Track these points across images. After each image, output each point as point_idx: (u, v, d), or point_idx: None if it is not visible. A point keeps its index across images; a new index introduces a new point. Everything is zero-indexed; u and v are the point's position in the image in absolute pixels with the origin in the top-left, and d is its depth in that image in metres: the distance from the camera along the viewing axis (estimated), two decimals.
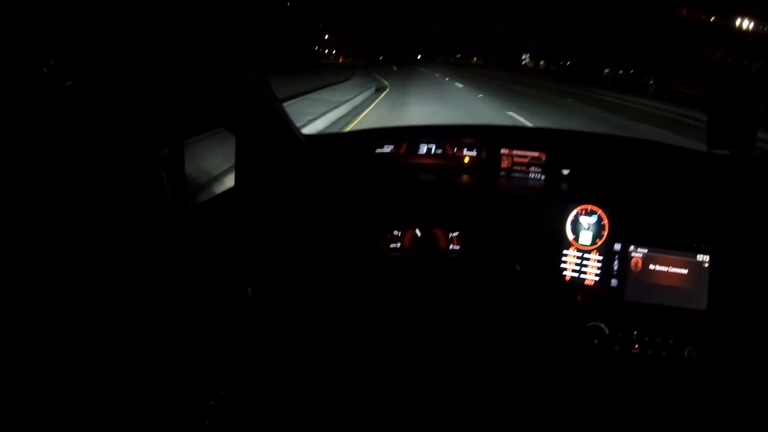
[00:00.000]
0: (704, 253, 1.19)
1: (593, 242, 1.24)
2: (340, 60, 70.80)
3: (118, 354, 0.78)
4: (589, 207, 1.24)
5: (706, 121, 1.20)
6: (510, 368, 1.27)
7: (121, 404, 0.77)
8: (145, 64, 0.79)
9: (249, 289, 1.14)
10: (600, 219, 1.24)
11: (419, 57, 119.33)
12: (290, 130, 1.19)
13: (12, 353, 0.63)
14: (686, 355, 1.15)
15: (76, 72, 0.75)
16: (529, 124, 9.19)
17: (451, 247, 1.33)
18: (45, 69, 0.70)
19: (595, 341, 1.18)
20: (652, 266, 1.22)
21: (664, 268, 1.21)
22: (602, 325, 1.18)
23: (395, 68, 44.65)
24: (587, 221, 1.25)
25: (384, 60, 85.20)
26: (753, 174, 1.22)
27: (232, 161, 1.22)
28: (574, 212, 1.25)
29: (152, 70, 0.81)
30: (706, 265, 1.19)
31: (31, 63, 0.68)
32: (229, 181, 1.24)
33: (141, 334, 0.83)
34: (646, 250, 1.22)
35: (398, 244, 1.34)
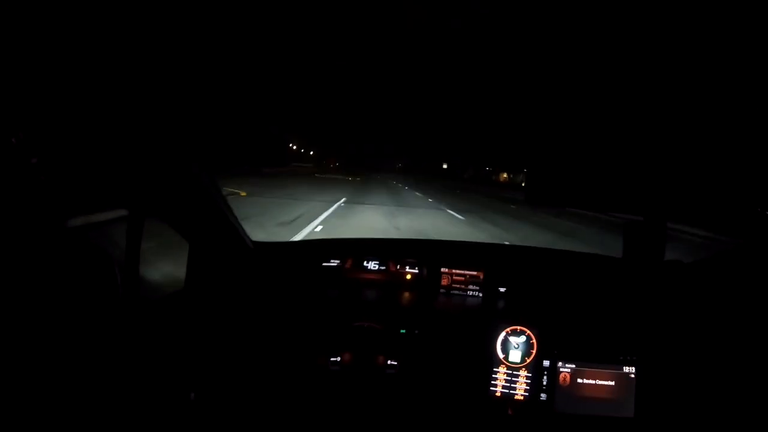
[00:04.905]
0: (629, 365, 1.28)
1: (522, 360, 1.30)
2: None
3: None
4: (519, 327, 1.32)
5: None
6: None
7: None
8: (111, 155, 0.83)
9: (192, 394, 1.07)
10: (529, 338, 1.31)
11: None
12: (240, 237, 1.23)
13: None
14: None
15: (43, 150, 0.77)
16: None
17: (388, 362, 1.30)
18: (13, 140, 0.71)
19: None
20: (580, 380, 1.28)
21: (591, 381, 1.27)
22: None
23: None
24: (516, 340, 1.31)
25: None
26: (684, 282, 1.32)
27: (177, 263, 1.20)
28: (504, 332, 1.31)
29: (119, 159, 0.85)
30: (632, 375, 1.27)
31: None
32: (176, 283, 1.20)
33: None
34: (573, 365, 1.29)
35: (338, 358, 1.29)
